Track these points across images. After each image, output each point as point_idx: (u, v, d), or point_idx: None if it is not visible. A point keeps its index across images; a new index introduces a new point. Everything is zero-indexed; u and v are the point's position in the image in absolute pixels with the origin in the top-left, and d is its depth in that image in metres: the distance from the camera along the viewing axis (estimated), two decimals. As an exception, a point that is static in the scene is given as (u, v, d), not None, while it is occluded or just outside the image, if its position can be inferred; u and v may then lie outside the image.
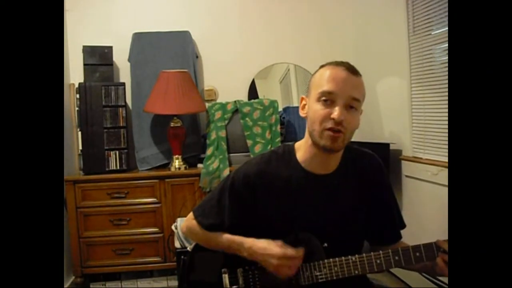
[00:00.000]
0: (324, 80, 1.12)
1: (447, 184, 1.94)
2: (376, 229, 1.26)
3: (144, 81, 2.85)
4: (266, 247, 1.15)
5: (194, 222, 1.30)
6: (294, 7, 3.18)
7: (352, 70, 1.13)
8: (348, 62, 1.15)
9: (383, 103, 2.75)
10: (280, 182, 1.20)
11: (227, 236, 1.24)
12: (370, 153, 1.28)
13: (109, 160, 2.72)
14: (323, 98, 1.11)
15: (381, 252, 1.11)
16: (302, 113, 1.21)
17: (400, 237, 1.28)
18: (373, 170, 1.25)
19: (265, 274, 1.20)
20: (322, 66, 1.18)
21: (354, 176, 1.22)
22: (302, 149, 1.22)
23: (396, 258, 1.09)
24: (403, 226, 1.30)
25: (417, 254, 1.07)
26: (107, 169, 2.71)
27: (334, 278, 1.13)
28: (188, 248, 1.52)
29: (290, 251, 1.13)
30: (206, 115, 2.89)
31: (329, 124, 1.10)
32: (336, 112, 1.09)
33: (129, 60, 2.90)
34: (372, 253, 1.11)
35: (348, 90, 1.11)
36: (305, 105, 1.20)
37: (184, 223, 1.35)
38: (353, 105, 1.11)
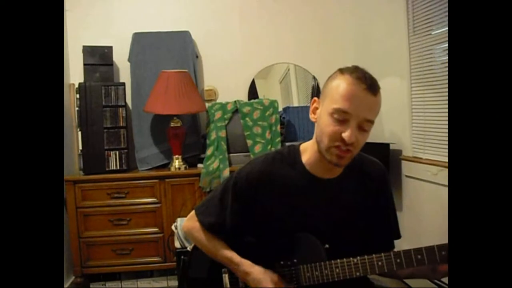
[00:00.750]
0: (340, 95, 1.06)
1: (447, 184, 1.94)
2: (371, 236, 1.24)
3: (144, 81, 2.85)
4: (260, 281, 1.15)
5: (196, 224, 1.29)
6: (294, 7, 3.18)
7: (372, 89, 1.07)
8: (371, 77, 1.08)
9: (383, 103, 2.73)
10: (283, 183, 1.20)
11: (226, 252, 1.23)
12: (376, 161, 1.27)
13: (109, 160, 2.72)
14: (336, 115, 1.07)
15: (382, 254, 1.10)
16: (312, 117, 1.17)
17: (393, 247, 1.28)
18: (377, 178, 1.24)
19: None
20: (341, 72, 1.10)
21: (358, 181, 1.22)
22: (308, 152, 1.21)
23: (398, 260, 1.08)
24: (398, 236, 1.30)
25: (419, 256, 1.07)
26: (107, 169, 2.71)
27: (336, 279, 1.12)
28: (188, 248, 1.52)
29: None
30: (206, 115, 2.89)
31: (339, 143, 1.07)
32: (347, 133, 1.05)
33: (129, 60, 2.90)
34: (374, 255, 1.11)
35: (364, 111, 1.06)
36: (316, 108, 1.16)
37: (186, 223, 1.34)
38: (365, 127, 1.08)
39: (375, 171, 1.25)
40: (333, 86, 1.10)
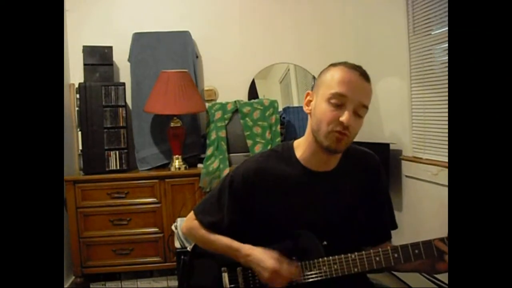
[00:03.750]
0: (337, 81, 1.11)
1: (447, 184, 1.94)
2: (368, 228, 1.25)
3: (144, 81, 2.85)
4: (261, 259, 1.15)
5: (195, 223, 1.30)
6: (294, 7, 3.18)
7: (365, 76, 1.13)
8: (361, 67, 1.15)
9: (383, 103, 2.75)
10: (279, 179, 1.21)
11: (225, 240, 1.23)
12: (370, 153, 1.29)
13: (109, 160, 2.72)
14: (334, 100, 1.10)
15: (380, 249, 1.11)
16: (306, 109, 1.20)
17: (389, 237, 1.29)
18: (371, 169, 1.26)
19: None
20: (333, 65, 1.16)
21: (353, 174, 1.23)
22: (302, 146, 1.22)
23: (396, 255, 1.09)
24: (394, 227, 1.31)
25: (416, 251, 1.08)
26: (107, 169, 2.71)
27: (334, 275, 1.13)
28: (188, 248, 1.53)
29: (284, 267, 1.13)
30: (206, 115, 2.89)
31: (337, 127, 1.10)
32: (345, 116, 1.09)
33: (129, 60, 2.90)
34: (371, 250, 1.12)
35: (360, 95, 1.11)
36: (310, 101, 1.19)
37: (185, 223, 1.35)
38: (360, 112, 1.12)
39: (368, 162, 1.27)
40: (327, 76, 1.15)
